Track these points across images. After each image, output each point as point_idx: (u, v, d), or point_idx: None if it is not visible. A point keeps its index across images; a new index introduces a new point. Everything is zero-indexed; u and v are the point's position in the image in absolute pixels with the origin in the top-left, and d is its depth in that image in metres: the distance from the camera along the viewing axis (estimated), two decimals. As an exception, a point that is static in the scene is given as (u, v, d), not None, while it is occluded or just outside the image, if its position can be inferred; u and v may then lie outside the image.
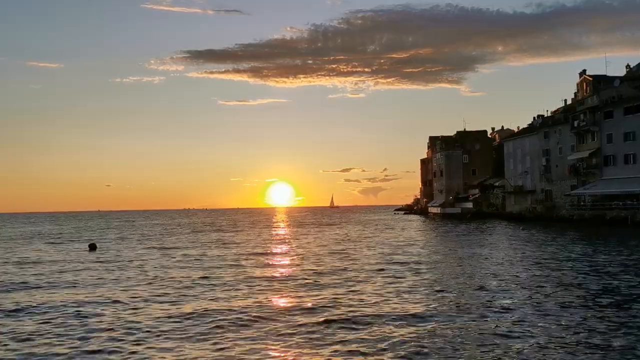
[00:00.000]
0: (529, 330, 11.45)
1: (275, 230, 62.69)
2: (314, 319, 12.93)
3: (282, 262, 26.81)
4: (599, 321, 12.20)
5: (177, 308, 14.73)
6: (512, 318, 12.67)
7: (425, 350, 10.19)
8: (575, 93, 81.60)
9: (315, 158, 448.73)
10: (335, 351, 10.27)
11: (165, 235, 54.94)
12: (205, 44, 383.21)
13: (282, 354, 10.24)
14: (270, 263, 26.54)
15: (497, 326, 11.89)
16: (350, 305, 14.59)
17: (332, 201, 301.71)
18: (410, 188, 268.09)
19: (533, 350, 10.01)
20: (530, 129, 78.22)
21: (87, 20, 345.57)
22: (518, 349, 10.10)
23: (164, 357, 10.13)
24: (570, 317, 12.63)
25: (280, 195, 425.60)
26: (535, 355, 9.71)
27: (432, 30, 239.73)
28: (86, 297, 16.92)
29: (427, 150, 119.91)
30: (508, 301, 14.77)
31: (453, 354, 9.92)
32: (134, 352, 10.50)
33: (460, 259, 26.03)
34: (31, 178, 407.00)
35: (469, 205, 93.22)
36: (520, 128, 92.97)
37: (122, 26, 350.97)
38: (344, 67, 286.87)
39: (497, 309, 13.71)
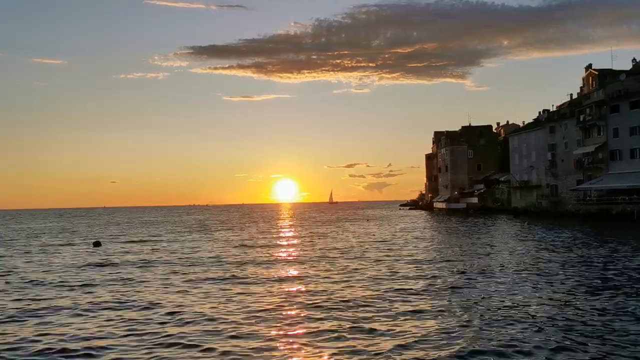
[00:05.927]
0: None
1: (282, 230, 62.79)
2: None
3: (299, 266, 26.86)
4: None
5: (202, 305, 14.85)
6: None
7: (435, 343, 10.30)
8: (581, 87, 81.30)
9: (319, 154, 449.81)
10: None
11: (167, 233, 55.13)
12: (208, 40, 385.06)
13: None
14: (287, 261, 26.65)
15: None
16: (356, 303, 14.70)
17: (330, 197, 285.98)
18: (415, 183, 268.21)
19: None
20: (536, 124, 78.04)
21: (91, 17, 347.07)
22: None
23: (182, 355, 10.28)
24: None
25: (285, 191, 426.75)
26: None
27: (437, 24, 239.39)
28: (87, 296, 17.04)
29: (432, 146, 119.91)
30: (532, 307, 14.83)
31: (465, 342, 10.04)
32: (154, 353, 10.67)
33: (471, 255, 26.08)
34: (36, 175, 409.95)
35: (474, 200, 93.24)
36: (525, 123, 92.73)
37: (126, 22, 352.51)
38: (348, 62, 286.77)
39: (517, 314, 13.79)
